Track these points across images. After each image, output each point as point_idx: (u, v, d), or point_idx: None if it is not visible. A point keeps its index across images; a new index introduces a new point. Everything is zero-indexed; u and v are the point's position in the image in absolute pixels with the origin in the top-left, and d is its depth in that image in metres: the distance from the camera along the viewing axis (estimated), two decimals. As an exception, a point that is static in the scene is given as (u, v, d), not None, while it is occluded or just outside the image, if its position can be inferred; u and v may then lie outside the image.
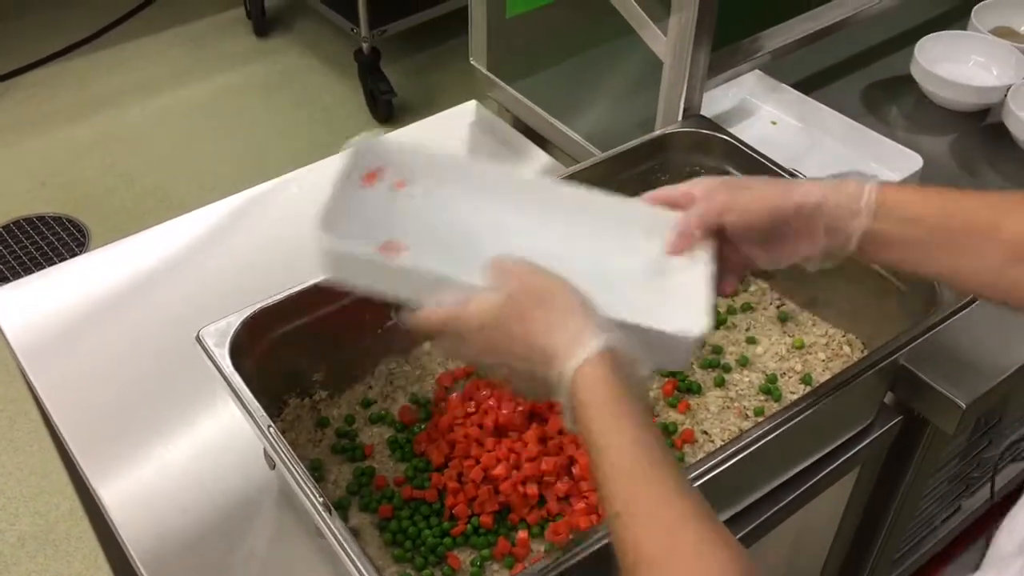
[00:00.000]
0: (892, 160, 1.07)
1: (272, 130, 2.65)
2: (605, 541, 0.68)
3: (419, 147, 0.77)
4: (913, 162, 1.05)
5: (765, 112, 1.18)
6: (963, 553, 1.54)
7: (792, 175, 0.95)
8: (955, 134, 1.22)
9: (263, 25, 2.98)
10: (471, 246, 0.72)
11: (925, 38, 1.25)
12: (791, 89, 1.16)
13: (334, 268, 0.69)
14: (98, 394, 0.95)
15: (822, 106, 1.15)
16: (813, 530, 1.04)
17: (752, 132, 1.14)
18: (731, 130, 1.01)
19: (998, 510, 1.51)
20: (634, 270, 0.74)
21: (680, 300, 0.71)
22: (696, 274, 0.72)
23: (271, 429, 0.71)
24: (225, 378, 0.75)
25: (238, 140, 2.62)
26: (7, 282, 1.05)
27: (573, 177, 0.97)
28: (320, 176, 1.19)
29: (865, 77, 1.28)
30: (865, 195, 0.69)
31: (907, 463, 1.01)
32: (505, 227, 0.74)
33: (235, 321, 0.79)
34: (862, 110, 1.23)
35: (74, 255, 1.00)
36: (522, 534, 0.79)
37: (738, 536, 0.84)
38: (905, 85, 1.26)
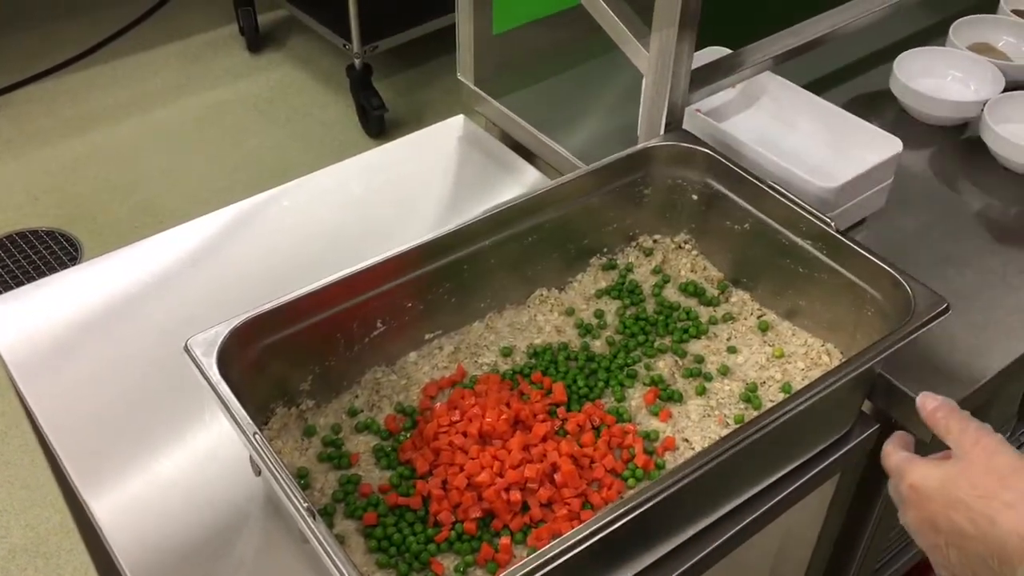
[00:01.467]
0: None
1: (265, 145, 2.67)
2: (585, 545, 0.69)
3: None
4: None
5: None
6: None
7: (775, 190, 0.97)
8: (933, 147, 1.24)
9: (256, 41, 3.00)
10: None
11: (904, 54, 1.27)
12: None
13: None
14: (88, 405, 0.96)
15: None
16: (794, 538, 1.05)
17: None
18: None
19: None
20: None
21: None
22: None
23: (256, 436, 0.73)
24: (212, 386, 0.77)
25: (231, 155, 2.64)
26: (-2, 296, 1.06)
27: (556, 190, 0.99)
28: (311, 190, 1.21)
29: (845, 92, 1.30)
30: None
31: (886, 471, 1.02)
32: None
33: (223, 331, 0.81)
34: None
35: (65, 269, 1.01)
36: (505, 540, 0.81)
37: (718, 543, 0.86)
38: (885, 100, 1.28)
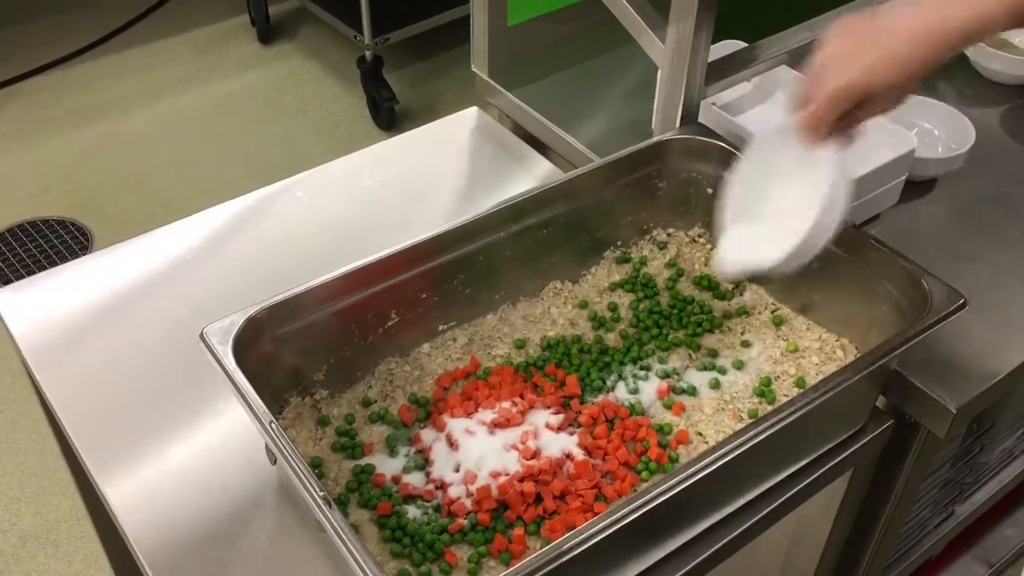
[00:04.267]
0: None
1: (275, 136, 2.67)
2: (599, 538, 0.69)
3: None
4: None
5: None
6: (957, 559, 1.55)
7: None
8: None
9: (267, 32, 3.00)
10: None
11: None
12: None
13: None
14: (102, 392, 0.96)
15: None
16: (807, 533, 1.05)
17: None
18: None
19: (992, 514, 1.52)
20: None
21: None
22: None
23: (273, 425, 0.73)
24: (228, 375, 0.77)
25: (241, 146, 2.64)
26: (8, 285, 1.07)
27: (570, 182, 0.99)
28: (324, 181, 1.21)
29: None
30: None
31: (899, 467, 1.02)
32: None
33: (238, 320, 0.81)
34: None
35: (77, 258, 1.02)
36: (518, 531, 0.81)
37: (731, 537, 0.86)
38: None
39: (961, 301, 0.84)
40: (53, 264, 2.25)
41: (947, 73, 1.33)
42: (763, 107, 1.16)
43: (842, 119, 0.81)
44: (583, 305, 1.02)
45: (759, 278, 1.00)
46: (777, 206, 0.87)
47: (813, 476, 0.91)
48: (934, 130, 1.20)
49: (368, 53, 2.63)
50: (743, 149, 0.92)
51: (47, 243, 2.33)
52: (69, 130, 2.68)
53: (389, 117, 2.66)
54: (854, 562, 1.16)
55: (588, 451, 0.86)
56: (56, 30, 3.03)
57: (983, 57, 1.31)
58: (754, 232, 0.89)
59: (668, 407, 0.92)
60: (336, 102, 2.79)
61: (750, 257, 0.88)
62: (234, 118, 2.74)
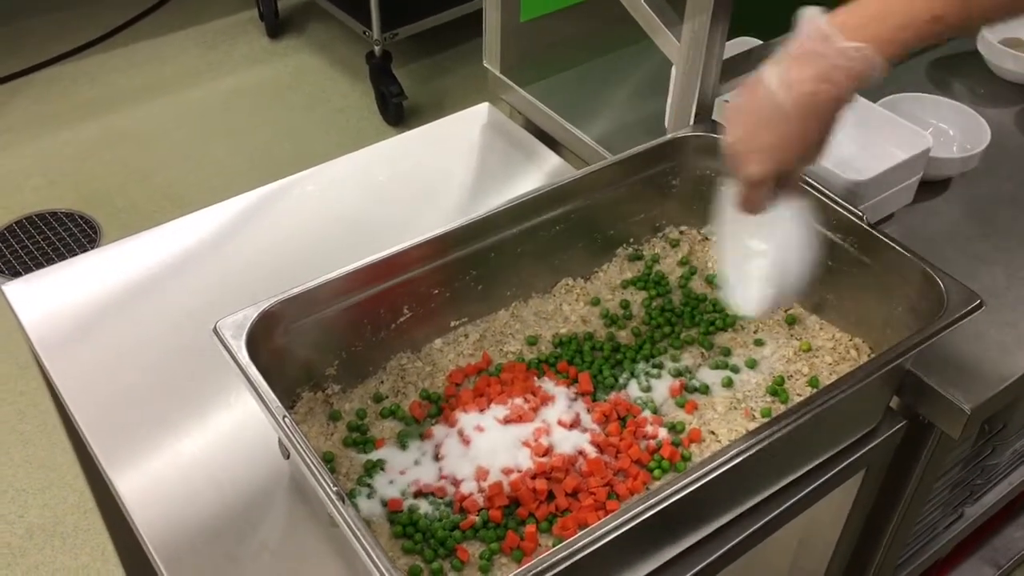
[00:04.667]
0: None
1: (283, 131, 2.67)
2: (612, 536, 0.69)
3: None
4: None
5: None
6: (965, 560, 1.55)
7: (805, 182, 0.96)
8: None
9: (275, 27, 3.00)
10: None
11: None
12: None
13: None
14: (112, 384, 0.96)
15: None
16: (818, 532, 1.05)
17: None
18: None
19: (1001, 516, 1.52)
20: None
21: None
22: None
23: (286, 419, 0.73)
24: (242, 369, 0.77)
25: (249, 140, 2.64)
26: (19, 277, 1.06)
27: (582, 179, 0.98)
28: (334, 176, 1.20)
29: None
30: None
31: (912, 467, 1.02)
32: None
33: (252, 314, 0.81)
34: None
35: (85, 251, 1.02)
36: (530, 528, 0.80)
37: (742, 536, 0.86)
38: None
39: (977, 302, 0.84)
40: (61, 257, 2.26)
41: (961, 72, 1.33)
42: None
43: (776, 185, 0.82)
44: (595, 302, 1.01)
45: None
46: (760, 254, 0.89)
47: (826, 476, 0.90)
48: (949, 130, 1.20)
49: (377, 48, 2.63)
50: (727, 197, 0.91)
51: (55, 236, 2.33)
52: (78, 123, 2.68)
53: (397, 113, 2.66)
54: (864, 563, 1.16)
55: (600, 448, 0.86)
56: (65, 24, 3.03)
57: (997, 56, 1.30)
58: (751, 277, 0.90)
59: (680, 405, 0.92)
60: (344, 97, 2.79)
61: (749, 301, 0.90)
62: (242, 113, 2.74)
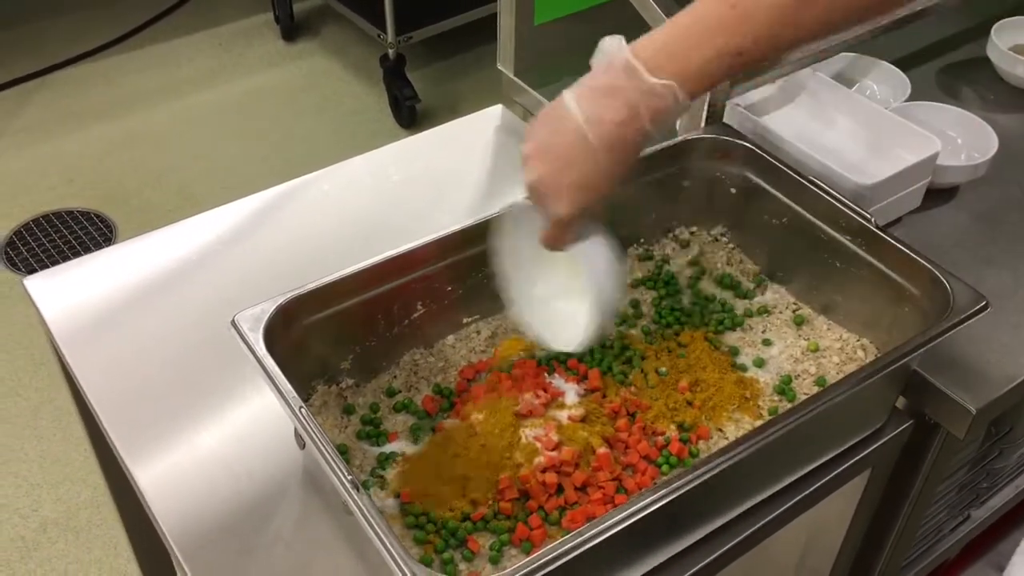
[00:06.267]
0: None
1: (297, 133, 2.70)
2: (619, 528, 0.70)
3: None
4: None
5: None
6: (971, 564, 1.55)
7: (815, 184, 0.97)
8: None
9: (290, 30, 3.03)
10: None
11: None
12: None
13: None
14: (131, 378, 0.98)
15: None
16: (824, 531, 1.06)
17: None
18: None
19: (1007, 520, 1.52)
20: None
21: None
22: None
23: (302, 410, 0.74)
24: (259, 361, 0.78)
25: (263, 142, 2.66)
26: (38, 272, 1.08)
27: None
28: (348, 176, 1.22)
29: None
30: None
31: (918, 467, 1.03)
32: None
33: (269, 308, 0.82)
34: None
35: (101, 250, 1.04)
36: (535, 519, 0.82)
37: (748, 533, 0.87)
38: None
39: (983, 303, 0.85)
40: (77, 255, 2.28)
41: (970, 79, 1.34)
42: (787, 108, 1.17)
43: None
44: (605, 301, 1.03)
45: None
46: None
47: (831, 475, 0.91)
48: (957, 138, 1.21)
49: (391, 51, 2.65)
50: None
51: (72, 234, 2.36)
52: (94, 124, 2.71)
53: (410, 115, 2.68)
54: (870, 563, 1.16)
55: (610, 444, 0.87)
56: (82, 25, 3.07)
57: (1007, 62, 1.31)
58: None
59: (689, 403, 0.93)
60: (358, 100, 2.81)
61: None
62: (257, 115, 2.76)
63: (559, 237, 0.81)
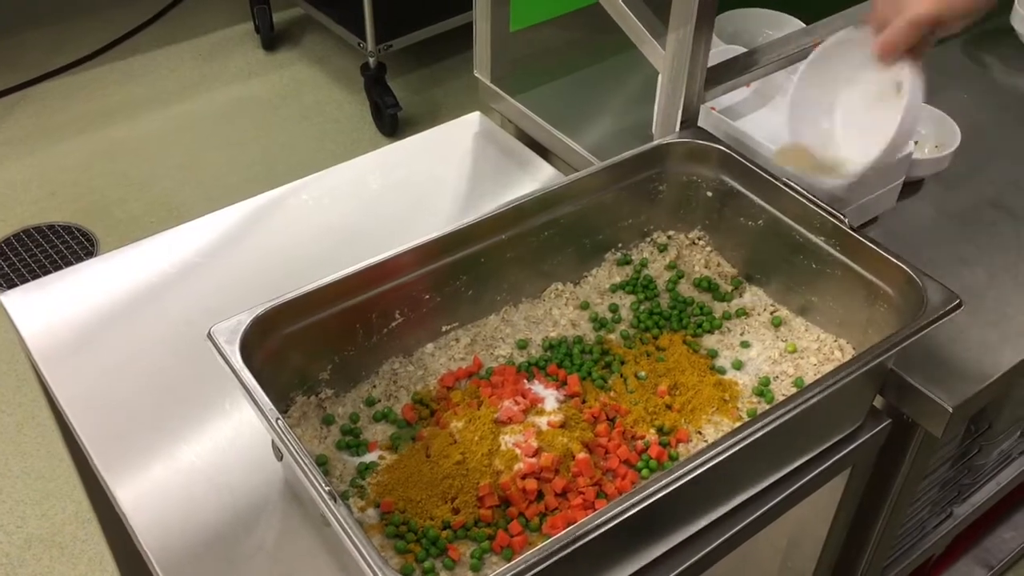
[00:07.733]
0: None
1: (279, 142, 2.69)
2: (599, 532, 0.70)
3: None
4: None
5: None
6: (957, 561, 1.56)
7: (788, 186, 0.98)
8: None
9: (271, 40, 3.03)
10: None
11: None
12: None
13: None
14: (110, 393, 0.97)
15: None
16: (806, 532, 1.06)
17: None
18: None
19: (991, 517, 1.53)
20: None
21: None
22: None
23: (279, 421, 0.74)
24: (235, 373, 0.78)
25: (245, 152, 2.66)
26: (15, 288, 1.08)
27: (571, 185, 1.00)
28: (328, 185, 1.22)
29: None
30: None
31: (898, 466, 1.03)
32: None
33: (245, 319, 0.82)
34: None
35: (83, 262, 1.04)
36: (515, 526, 0.82)
37: (729, 534, 0.87)
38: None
39: (956, 302, 0.86)
40: (59, 269, 2.27)
41: (995, 49, 1.37)
42: (762, 111, 1.17)
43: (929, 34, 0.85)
44: (584, 306, 1.03)
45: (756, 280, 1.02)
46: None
47: (811, 475, 0.92)
48: (921, 130, 1.21)
49: (371, 60, 2.65)
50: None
51: (52, 249, 2.35)
52: (75, 136, 2.70)
53: (392, 123, 2.68)
54: (853, 562, 1.17)
55: (589, 449, 0.87)
56: (62, 37, 3.06)
57: None
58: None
59: (668, 406, 0.93)
60: (339, 108, 2.81)
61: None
62: (238, 125, 2.76)
63: (902, 41, 0.84)
